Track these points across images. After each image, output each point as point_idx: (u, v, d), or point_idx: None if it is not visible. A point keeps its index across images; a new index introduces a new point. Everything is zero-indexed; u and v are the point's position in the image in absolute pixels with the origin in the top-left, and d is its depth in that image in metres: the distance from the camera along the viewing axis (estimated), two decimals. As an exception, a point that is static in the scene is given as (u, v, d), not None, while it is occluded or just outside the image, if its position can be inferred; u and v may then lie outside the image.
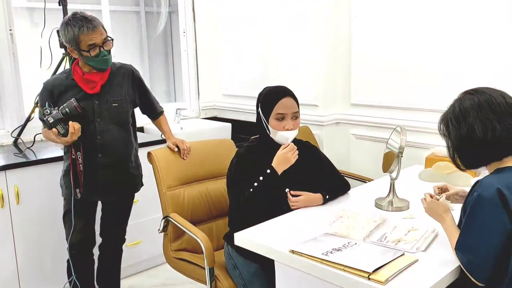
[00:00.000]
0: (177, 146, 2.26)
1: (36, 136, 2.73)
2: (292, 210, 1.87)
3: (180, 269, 2.15)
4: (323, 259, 1.38)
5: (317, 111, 3.08)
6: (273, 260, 1.55)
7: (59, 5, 2.73)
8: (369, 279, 1.28)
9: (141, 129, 3.30)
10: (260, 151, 1.92)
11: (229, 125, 3.60)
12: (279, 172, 1.84)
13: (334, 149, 3.12)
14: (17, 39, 2.91)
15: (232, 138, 3.25)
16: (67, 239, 2.23)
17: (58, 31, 2.11)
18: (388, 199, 1.89)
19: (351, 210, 1.77)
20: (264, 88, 1.97)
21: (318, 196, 1.91)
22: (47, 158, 2.52)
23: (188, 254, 2.12)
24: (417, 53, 2.70)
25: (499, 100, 1.34)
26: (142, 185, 2.41)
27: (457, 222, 1.44)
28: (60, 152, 2.52)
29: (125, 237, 2.47)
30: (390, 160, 1.86)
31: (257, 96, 1.97)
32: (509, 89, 1.45)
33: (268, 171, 1.83)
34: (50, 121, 2.00)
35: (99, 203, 2.34)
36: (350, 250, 1.43)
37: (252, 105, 1.99)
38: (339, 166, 2.99)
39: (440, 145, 2.31)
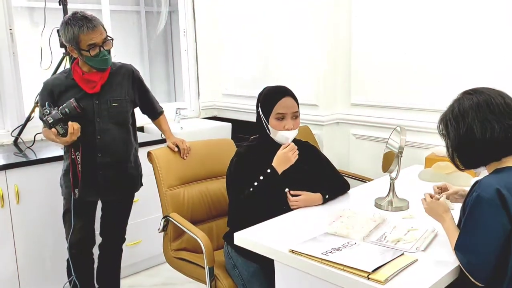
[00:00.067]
0: (177, 146, 2.26)
1: (36, 135, 2.73)
2: (292, 209, 1.87)
3: (180, 269, 2.15)
4: (323, 259, 1.38)
5: (317, 111, 3.09)
6: (273, 260, 1.55)
7: (59, 4, 2.73)
8: (368, 278, 1.28)
9: (141, 129, 3.30)
10: (260, 151, 1.92)
11: (229, 124, 3.60)
12: (280, 172, 1.84)
13: (334, 149, 3.12)
14: (17, 39, 2.91)
15: (232, 138, 3.26)
16: (67, 238, 2.23)
17: (58, 31, 2.11)
18: (387, 199, 1.89)
19: (351, 210, 1.77)
20: (264, 88, 1.97)
21: (318, 196, 1.91)
22: (47, 158, 2.52)
23: (188, 253, 2.13)
24: (417, 53, 2.70)
25: (498, 100, 1.34)
26: (142, 185, 2.41)
27: (456, 222, 1.44)
28: (60, 152, 2.53)
29: (125, 236, 2.47)
30: (390, 160, 1.86)
31: (257, 95, 1.97)
32: (509, 89, 1.45)
33: (269, 170, 1.83)
34: (50, 121, 2.01)
35: (99, 202, 2.34)
36: (349, 250, 1.43)
37: (252, 104, 1.99)
38: (339, 166, 3.00)
39: (440, 145, 2.31)
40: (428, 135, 2.61)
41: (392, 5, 2.78)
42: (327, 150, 3.04)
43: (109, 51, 2.11)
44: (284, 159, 1.85)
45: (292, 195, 1.88)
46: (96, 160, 2.17)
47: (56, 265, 2.55)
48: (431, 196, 1.55)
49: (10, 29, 2.87)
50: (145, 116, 2.46)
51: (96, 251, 2.41)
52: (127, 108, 2.24)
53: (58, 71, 2.54)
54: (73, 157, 2.10)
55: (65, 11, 2.72)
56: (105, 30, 2.10)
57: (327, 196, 1.92)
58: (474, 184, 1.36)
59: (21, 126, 2.83)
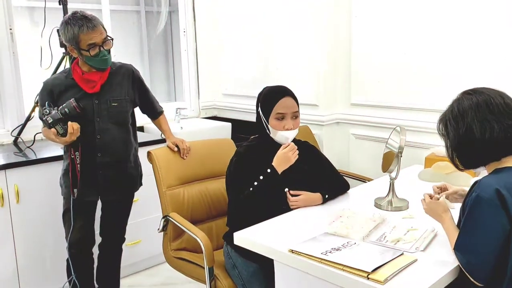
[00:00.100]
0: (177, 146, 2.26)
1: (36, 135, 2.73)
2: (291, 209, 1.87)
3: (180, 269, 2.15)
4: (322, 259, 1.38)
5: (317, 110, 3.09)
6: (273, 260, 1.55)
7: (59, 4, 2.74)
8: (368, 278, 1.28)
9: (141, 129, 3.30)
10: (260, 151, 1.92)
11: (229, 124, 3.60)
12: (279, 172, 1.84)
13: (334, 149, 3.12)
14: (17, 38, 2.91)
15: (232, 138, 3.25)
16: (66, 238, 2.23)
17: (58, 30, 2.11)
18: (387, 199, 1.89)
19: (351, 209, 1.77)
20: (264, 88, 1.97)
21: (318, 195, 1.91)
22: (47, 157, 2.52)
23: (187, 253, 2.13)
24: (417, 53, 2.70)
25: (498, 100, 1.34)
26: (141, 185, 2.41)
27: (456, 222, 1.44)
28: (60, 151, 2.53)
29: (125, 236, 2.47)
30: (390, 160, 1.86)
31: (257, 95, 1.97)
32: (509, 89, 1.45)
33: (269, 170, 1.83)
34: (49, 121, 2.01)
35: (99, 202, 2.34)
36: (349, 249, 1.43)
37: (252, 104, 2.00)
38: (339, 166, 3.00)
39: (439, 145, 2.31)
40: (428, 135, 2.61)
41: (392, 5, 2.78)
42: (327, 150, 3.04)
43: (109, 51, 2.11)
44: (284, 159, 1.85)
45: (292, 195, 1.88)
46: (95, 159, 2.17)
47: (56, 265, 2.55)
48: (431, 197, 1.55)
49: (10, 29, 2.87)
50: (145, 116, 2.46)
51: (96, 250, 2.41)
52: (127, 108, 2.24)
53: (58, 71, 2.54)
54: (72, 157, 2.10)
55: (65, 10, 2.72)
56: (105, 30, 2.10)
57: (326, 196, 1.92)
58: (474, 184, 1.36)
59: (21, 126, 2.83)
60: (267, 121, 1.89)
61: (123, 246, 2.49)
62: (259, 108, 1.92)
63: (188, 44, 3.80)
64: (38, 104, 2.20)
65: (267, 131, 1.91)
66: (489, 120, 1.32)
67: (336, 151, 3.13)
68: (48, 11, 2.89)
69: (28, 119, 2.81)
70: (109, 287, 2.51)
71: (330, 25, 2.99)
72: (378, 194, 1.98)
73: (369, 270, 1.29)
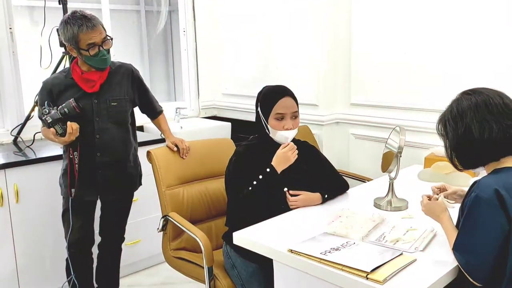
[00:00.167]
0: (177, 145, 2.26)
1: (36, 134, 2.73)
2: (291, 209, 1.87)
3: (179, 268, 2.15)
4: (322, 259, 1.38)
5: (317, 110, 3.09)
6: (272, 260, 1.55)
7: (59, 3, 2.74)
8: (367, 278, 1.28)
9: (141, 128, 3.30)
10: (259, 150, 1.92)
11: (228, 124, 3.60)
12: (279, 171, 1.84)
13: (333, 148, 3.12)
14: (17, 38, 2.91)
15: (232, 138, 3.26)
16: (66, 238, 2.23)
17: (58, 30, 2.11)
18: (387, 199, 1.89)
19: (350, 209, 1.77)
20: (264, 87, 1.97)
21: (317, 195, 1.91)
22: (46, 157, 2.52)
23: (187, 253, 2.13)
24: (417, 53, 2.70)
25: (497, 100, 1.34)
26: (141, 184, 2.41)
27: (455, 223, 1.44)
28: (59, 151, 2.52)
29: (124, 236, 2.47)
30: (389, 160, 1.86)
31: (256, 95, 1.97)
32: (508, 89, 1.45)
33: (268, 170, 1.83)
34: (49, 121, 2.01)
35: (99, 202, 2.34)
36: (348, 249, 1.43)
37: (252, 104, 1.99)
38: (339, 165, 3.01)
39: (439, 145, 2.30)
40: (428, 135, 2.61)
41: (392, 5, 2.78)
42: (326, 150, 3.04)
43: (108, 51, 2.11)
44: (283, 159, 1.85)
45: (291, 195, 1.88)
46: (95, 159, 2.17)
47: (56, 265, 2.55)
48: (429, 198, 1.55)
49: (10, 28, 2.87)
50: (145, 116, 2.46)
51: (95, 250, 2.41)
52: (126, 108, 2.24)
53: (58, 70, 2.54)
54: (71, 157, 2.10)
55: (65, 10, 2.72)
56: (104, 29, 2.10)
57: (326, 196, 1.92)
58: (473, 184, 1.36)
59: (20, 125, 2.83)
60: (267, 121, 1.89)
61: (123, 245, 2.50)
62: (259, 108, 1.92)
63: (188, 44, 3.80)
64: (38, 103, 2.20)
65: (267, 131, 1.91)
66: (488, 120, 1.32)
67: (335, 151, 3.13)
68: (48, 11, 2.88)
69: (28, 118, 2.81)
70: (108, 287, 2.52)
71: (330, 24, 2.99)
72: (377, 194, 1.98)
73: (368, 270, 1.29)
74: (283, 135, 1.88)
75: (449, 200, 1.54)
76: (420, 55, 2.69)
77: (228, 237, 1.86)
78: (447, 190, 1.64)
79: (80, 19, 2.01)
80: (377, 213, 1.74)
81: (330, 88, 3.09)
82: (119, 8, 3.83)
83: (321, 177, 1.98)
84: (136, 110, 2.38)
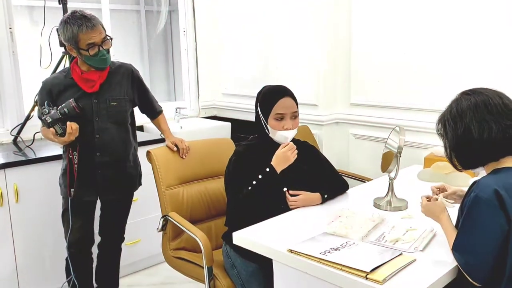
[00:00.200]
0: (176, 145, 2.26)
1: (36, 134, 2.73)
2: (290, 209, 1.87)
3: (179, 268, 2.15)
4: (321, 259, 1.38)
5: (316, 110, 3.09)
6: (271, 260, 1.55)
7: (59, 3, 2.73)
8: (366, 278, 1.28)
9: (141, 128, 3.30)
10: (259, 150, 1.92)
11: (228, 124, 3.60)
12: (278, 171, 1.84)
13: (333, 148, 3.12)
14: (17, 38, 2.91)
15: (232, 137, 3.26)
16: (65, 237, 2.23)
17: (57, 30, 2.11)
18: (386, 199, 1.89)
19: (350, 209, 1.77)
20: (263, 87, 1.97)
21: (317, 195, 1.91)
22: (46, 157, 2.52)
23: (186, 253, 2.13)
24: (417, 53, 2.70)
25: (496, 100, 1.34)
26: (140, 184, 2.41)
27: (454, 223, 1.45)
28: (59, 151, 2.52)
29: (124, 235, 2.47)
30: (389, 160, 1.86)
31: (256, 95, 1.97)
32: (508, 89, 1.45)
33: (267, 169, 1.83)
34: (48, 121, 2.01)
35: (98, 201, 2.34)
36: (348, 249, 1.43)
37: (251, 104, 1.99)
38: (338, 165, 3.00)
39: (439, 145, 2.30)
40: (427, 135, 2.61)
41: (392, 5, 2.78)
42: (326, 150, 3.04)
43: (108, 50, 2.11)
44: (283, 158, 1.85)
45: (291, 195, 1.88)
46: (94, 159, 2.17)
47: (55, 264, 2.54)
48: (429, 199, 1.55)
49: (10, 28, 2.87)
50: (145, 115, 2.46)
51: (95, 250, 2.40)
52: (126, 108, 2.24)
53: (58, 70, 2.54)
54: (70, 157, 2.10)
55: (64, 10, 2.72)
56: (104, 29, 2.10)
57: (326, 196, 1.92)
58: (472, 184, 1.36)
59: (20, 125, 2.83)
60: (266, 121, 1.89)
61: (122, 245, 2.50)
62: (258, 108, 1.92)
63: (188, 44, 3.80)
64: (37, 103, 2.20)
65: (266, 131, 1.91)
66: (487, 120, 1.32)
67: (335, 151, 3.13)
68: (48, 10, 2.88)
69: (28, 118, 2.81)
70: (108, 287, 2.52)
71: (330, 24, 2.99)
72: (377, 194, 1.98)
73: (368, 270, 1.29)
74: (283, 135, 1.88)
75: (448, 200, 1.54)
76: (420, 55, 2.69)
77: (227, 237, 1.86)
78: (446, 190, 1.64)
79: (80, 19, 2.01)
80: (377, 213, 1.74)
81: (330, 88, 3.09)
82: (119, 8, 3.83)
83: (321, 177, 1.98)
84: (136, 110, 2.38)
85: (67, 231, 2.22)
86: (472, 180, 1.73)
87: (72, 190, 2.13)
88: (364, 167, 3.01)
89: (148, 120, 2.50)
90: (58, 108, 2.02)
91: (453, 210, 1.50)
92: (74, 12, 2.05)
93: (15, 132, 2.83)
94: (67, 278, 2.33)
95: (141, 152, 2.35)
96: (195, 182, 2.27)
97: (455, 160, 1.41)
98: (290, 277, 1.51)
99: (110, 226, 2.41)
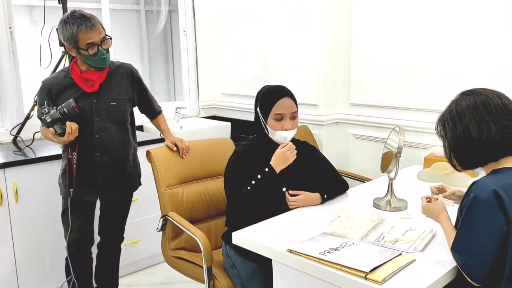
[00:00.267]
0: (176, 145, 2.26)
1: (35, 134, 2.73)
2: (290, 209, 1.87)
3: (178, 268, 2.15)
4: (321, 259, 1.38)
5: (316, 110, 3.08)
6: (271, 260, 1.55)
7: (59, 3, 2.73)
8: (366, 278, 1.28)
9: (141, 128, 3.30)
10: (258, 150, 1.92)
11: (228, 124, 3.60)
12: (277, 171, 1.84)
13: (333, 148, 3.12)
14: (16, 37, 2.90)
15: (232, 137, 3.26)
16: (65, 237, 2.23)
17: (57, 29, 2.11)
18: (386, 199, 1.89)
19: (349, 209, 1.77)
20: (263, 87, 1.97)
21: (316, 195, 1.91)
22: (46, 156, 2.52)
23: (186, 253, 2.13)
24: (417, 53, 2.70)
25: (495, 101, 1.34)
26: (140, 184, 2.41)
27: (454, 223, 1.44)
28: (59, 151, 2.52)
29: (124, 235, 2.47)
30: (389, 160, 1.86)
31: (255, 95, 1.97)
32: (508, 89, 1.45)
33: (266, 169, 1.83)
34: (48, 120, 2.01)
35: (98, 201, 2.34)
36: (347, 249, 1.43)
37: (251, 104, 1.99)
38: (338, 165, 3.00)
39: (438, 145, 2.30)
40: (427, 135, 2.61)
41: (392, 5, 2.77)
42: (326, 150, 3.04)
43: (107, 50, 2.11)
44: (282, 158, 1.85)
45: (291, 195, 1.88)
46: (94, 159, 2.17)
47: (55, 264, 2.54)
48: (429, 199, 1.55)
49: (10, 28, 2.87)
50: (145, 115, 2.46)
51: (94, 250, 2.40)
52: (125, 107, 2.24)
53: (58, 70, 2.54)
54: (69, 157, 2.10)
55: (64, 9, 2.71)
56: (103, 29, 2.10)
57: (325, 196, 1.92)
58: (472, 184, 1.36)
59: (20, 125, 2.83)
60: (266, 121, 1.89)
61: (122, 245, 2.50)
62: (258, 108, 1.92)
63: (188, 44, 3.80)
64: (37, 103, 2.19)
65: (266, 131, 1.91)
66: (486, 120, 1.32)
67: (335, 151, 3.13)
68: (48, 10, 2.88)
69: (28, 118, 2.81)
70: (107, 286, 2.52)
71: (330, 24, 2.99)
72: (377, 194, 1.98)
73: (367, 270, 1.29)
74: (282, 135, 1.88)
75: (448, 200, 1.54)
76: (420, 55, 2.69)
77: (227, 237, 1.86)
78: (446, 191, 1.64)
79: (79, 18, 2.01)
80: (376, 213, 1.74)
81: (330, 88, 3.09)
82: (119, 7, 3.83)
83: (320, 177, 1.98)
84: (136, 110, 2.38)
85: (66, 231, 2.22)
86: (471, 180, 1.73)
87: (71, 190, 2.13)
88: (363, 167, 3.01)
89: (148, 120, 2.50)
90: (58, 108, 2.02)
91: (453, 210, 1.50)
92: (73, 12, 2.05)
93: (14, 132, 2.83)
94: (66, 277, 2.33)
95: (141, 152, 2.35)
96: (194, 182, 2.27)
97: (455, 160, 1.41)
98: (289, 277, 1.51)
99: (110, 226, 2.41)
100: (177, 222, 2.04)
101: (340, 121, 3.15)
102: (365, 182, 2.57)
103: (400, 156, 1.83)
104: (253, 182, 1.82)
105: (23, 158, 2.51)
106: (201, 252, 1.87)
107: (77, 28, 2.00)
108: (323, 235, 1.56)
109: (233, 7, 3.59)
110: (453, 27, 2.53)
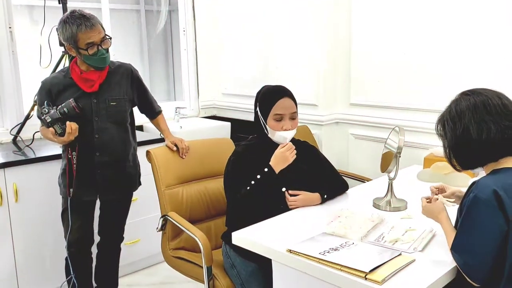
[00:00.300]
0: (176, 145, 2.26)
1: (35, 134, 2.73)
2: (290, 209, 1.87)
3: (178, 268, 2.15)
4: (320, 259, 1.38)
5: (316, 110, 3.08)
6: (271, 260, 1.55)
7: (59, 3, 2.73)
8: (366, 279, 1.28)
9: (141, 128, 3.30)
10: (258, 150, 1.92)
11: (228, 124, 3.60)
12: (277, 171, 1.84)
13: (333, 149, 3.12)
14: (16, 37, 2.90)
15: (232, 137, 3.26)
16: (65, 237, 2.23)
17: (57, 29, 2.11)
18: (386, 199, 1.89)
19: (349, 209, 1.77)
20: (262, 87, 1.97)
21: (316, 195, 1.91)
22: (46, 156, 2.52)
23: (186, 252, 2.13)
24: (417, 53, 2.70)
25: (495, 101, 1.34)
26: (140, 184, 2.41)
27: (454, 223, 1.44)
28: (59, 150, 2.52)
29: (124, 235, 2.47)
30: (389, 160, 1.86)
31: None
32: (508, 89, 1.45)
33: (266, 169, 1.83)
34: (48, 120, 2.01)
35: (98, 201, 2.34)
36: (347, 250, 1.43)
37: (251, 104, 1.99)
38: (338, 166, 3.00)
39: (438, 146, 2.30)
40: (427, 135, 2.61)
41: (392, 5, 2.77)
42: (326, 150, 3.04)
43: (107, 50, 2.11)
44: (281, 158, 1.85)
45: (291, 195, 1.88)
46: (94, 159, 2.17)
47: (55, 264, 2.54)
48: (429, 199, 1.55)
49: (10, 28, 2.87)
50: (145, 115, 2.46)
51: (94, 250, 2.40)
52: (125, 107, 2.24)
53: (57, 70, 2.54)
54: (69, 156, 2.10)
55: (64, 9, 2.71)
56: (103, 29, 2.10)
57: (325, 196, 1.92)
58: (472, 184, 1.36)
59: (20, 125, 2.83)
60: (265, 122, 1.89)
61: (122, 245, 2.50)
62: (257, 108, 1.92)
63: (188, 43, 3.80)
64: (37, 103, 2.19)
65: (265, 131, 1.91)
66: (486, 121, 1.32)
67: (335, 151, 3.13)
68: (48, 10, 2.88)
69: (27, 117, 2.81)
70: (107, 286, 2.52)
71: (330, 24, 2.99)
72: (376, 194, 1.98)
73: (367, 270, 1.29)
74: (282, 135, 1.88)
75: (449, 200, 1.54)
76: (420, 55, 2.69)
77: (227, 237, 1.86)
78: (445, 191, 1.64)
79: (79, 18, 2.01)
80: (376, 213, 1.74)
81: (329, 88, 3.09)
82: (119, 7, 3.82)
83: (320, 177, 1.98)
84: (135, 110, 2.37)
85: (66, 230, 2.22)
86: (471, 180, 1.73)
87: (71, 190, 2.13)
88: (363, 167, 3.01)
89: (148, 120, 2.49)
90: (58, 108, 2.02)
91: (453, 210, 1.50)
92: (73, 12, 2.05)
93: (14, 132, 2.83)
94: (66, 277, 2.33)
95: (141, 152, 2.35)
96: (194, 182, 2.27)
97: (454, 160, 1.41)
98: (289, 277, 1.51)
99: (110, 226, 2.41)
100: (177, 222, 2.04)
101: (340, 121, 3.15)
102: (365, 182, 2.57)
103: (400, 156, 1.83)
104: (252, 182, 1.81)
105: (23, 158, 2.51)
106: (201, 252, 1.87)
107: (76, 28, 2.00)
108: (323, 235, 1.56)
109: (233, 7, 3.59)
110: (453, 27, 2.53)
